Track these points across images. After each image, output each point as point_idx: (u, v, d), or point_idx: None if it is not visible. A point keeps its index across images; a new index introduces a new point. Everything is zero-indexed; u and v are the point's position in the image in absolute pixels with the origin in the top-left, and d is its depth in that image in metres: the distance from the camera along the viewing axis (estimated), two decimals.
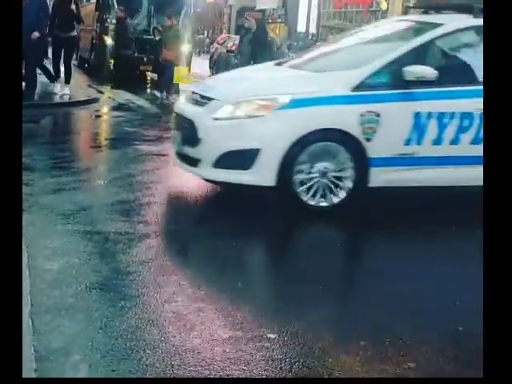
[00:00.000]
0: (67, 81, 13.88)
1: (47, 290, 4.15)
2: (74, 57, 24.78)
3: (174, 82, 15.30)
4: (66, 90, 13.68)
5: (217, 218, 6.11)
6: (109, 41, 18.77)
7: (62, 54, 13.80)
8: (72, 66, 14.51)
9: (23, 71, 11.63)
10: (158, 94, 16.18)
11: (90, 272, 4.53)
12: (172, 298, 4.19)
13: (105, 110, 13.84)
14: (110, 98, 15.52)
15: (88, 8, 22.37)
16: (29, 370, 3.16)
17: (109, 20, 18.98)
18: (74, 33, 13.95)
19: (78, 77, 19.58)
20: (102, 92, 16.10)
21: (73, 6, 13.42)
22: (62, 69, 13.91)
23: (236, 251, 5.28)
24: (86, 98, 13.93)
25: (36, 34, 12.11)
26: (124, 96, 15.60)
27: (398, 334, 3.90)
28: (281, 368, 3.41)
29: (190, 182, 6.94)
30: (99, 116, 13.06)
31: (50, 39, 13.66)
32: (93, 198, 6.48)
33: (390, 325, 4.04)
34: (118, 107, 13.97)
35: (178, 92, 14.51)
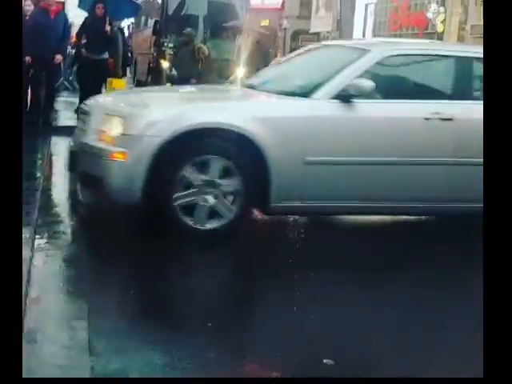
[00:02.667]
0: None
1: (106, 312, 4.18)
2: (131, 79, 25.37)
3: None
4: None
5: None
6: (165, 64, 19.08)
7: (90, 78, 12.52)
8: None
9: (41, 93, 11.70)
10: None
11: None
12: None
13: None
14: None
15: (145, 32, 22.85)
16: None
17: (165, 44, 19.32)
18: (106, 55, 12.86)
19: None
20: None
21: (107, 27, 12.44)
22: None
23: None
24: None
25: (59, 58, 11.56)
26: None
27: None
28: None
29: None
30: None
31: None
32: None
33: None
34: None
35: None
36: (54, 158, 9.61)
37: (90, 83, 12.34)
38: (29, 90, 11.48)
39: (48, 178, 7.86)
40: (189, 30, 15.41)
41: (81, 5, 13.66)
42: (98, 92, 12.41)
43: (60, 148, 10.48)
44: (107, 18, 12.41)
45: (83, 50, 12.57)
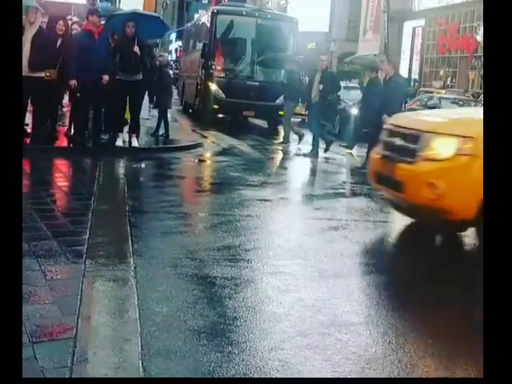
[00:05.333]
0: (133, 130, 12.72)
1: (157, 333, 4.19)
2: (179, 101, 25.61)
3: None
4: (134, 142, 12.62)
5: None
6: (213, 87, 19.20)
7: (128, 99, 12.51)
8: (140, 113, 13.14)
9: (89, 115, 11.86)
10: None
11: (197, 316, 4.55)
12: (279, 346, 4.15)
13: (209, 154, 14.05)
14: (213, 142, 15.79)
15: (193, 55, 23.08)
16: None
17: (213, 67, 19.46)
18: (140, 76, 12.40)
19: (182, 122, 20.13)
20: (205, 137, 16.42)
21: (136, 48, 12.04)
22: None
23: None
24: (190, 143, 14.24)
25: (106, 78, 11.48)
26: (228, 141, 15.86)
27: None
28: None
29: (296, 227, 6.93)
30: (203, 161, 13.28)
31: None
32: (199, 242, 6.55)
33: None
34: (222, 152, 14.19)
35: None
36: (104, 178, 9.69)
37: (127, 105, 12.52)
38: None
39: (99, 198, 7.90)
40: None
41: (107, 24, 13.24)
42: (135, 114, 12.64)
43: (110, 168, 10.60)
44: (136, 38, 12.21)
45: (118, 72, 12.24)
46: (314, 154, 14.18)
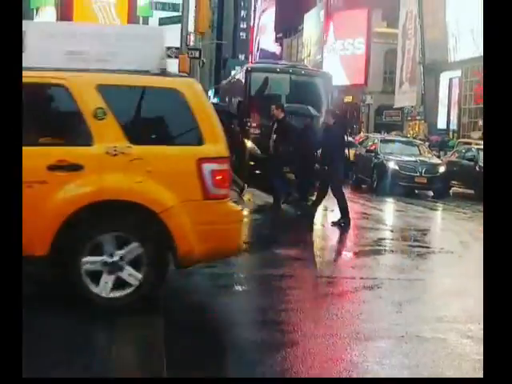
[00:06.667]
0: None
1: None
2: None
3: None
4: None
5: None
6: (249, 144, 19.27)
7: None
8: None
9: None
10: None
11: None
12: None
13: (244, 212, 13.96)
14: (249, 200, 15.75)
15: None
16: None
17: (248, 123, 19.57)
18: None
19: None
20: (241, 194, 16.34)
21: None
22: None
23: None
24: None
25: None
26: (264, 198, 15.82)
27: None
28: None
29: (330, 287, 6.81)
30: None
31: None
32: (232, 303, 6.46)
33: None
34: (257, 209, 14.14)
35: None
36: None
37: None
38: None
39: None
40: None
41: None
42: None
43: None
44: None
45: None
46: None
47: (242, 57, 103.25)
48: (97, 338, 5.24)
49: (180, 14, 23.85)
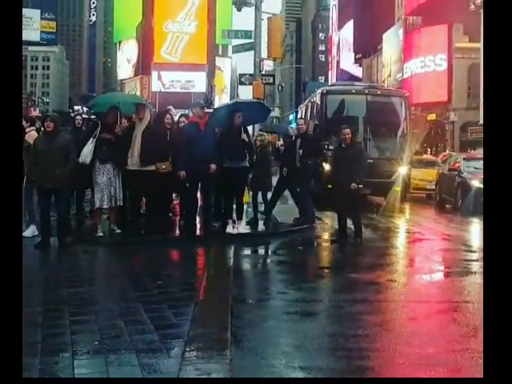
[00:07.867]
0: (240, 216, 12.71)
1: None
2: None
3: None
4: (241, 228, 12.61)
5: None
6: (327, 166, 19.22)
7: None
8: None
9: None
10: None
11: None
12: None
13: (320, 237, 13.94)
14: (327, 224, 15.67)
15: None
16: None
17: (326, 146, 19.53)
18: (246, 163, 12.57)
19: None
20: (320, 218, 16.25)
21: (244, 136, 12.22)
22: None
23: None
24: (305, 226, 14.17)
25: (214, 167, 11.59)
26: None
27: None
28: None
29: (402, 310, 6.69)
30: (318, 244, 13.25)
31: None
32: (298, 330, 6.43)
33: None
34: (334, 234, 14.00)
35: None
36: (212, 266, 9.79)
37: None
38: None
39: (205, 287, 7.97)
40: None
41: (212, 119, 12.90)
42: (239, 199, 12.72)
43: (219, 256, 10.70)
44: (243, 126, 12.40)
45: (226, 160, 12.25)
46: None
47: (321, 79, 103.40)
48: None
49: (253, 40, 24.13)
